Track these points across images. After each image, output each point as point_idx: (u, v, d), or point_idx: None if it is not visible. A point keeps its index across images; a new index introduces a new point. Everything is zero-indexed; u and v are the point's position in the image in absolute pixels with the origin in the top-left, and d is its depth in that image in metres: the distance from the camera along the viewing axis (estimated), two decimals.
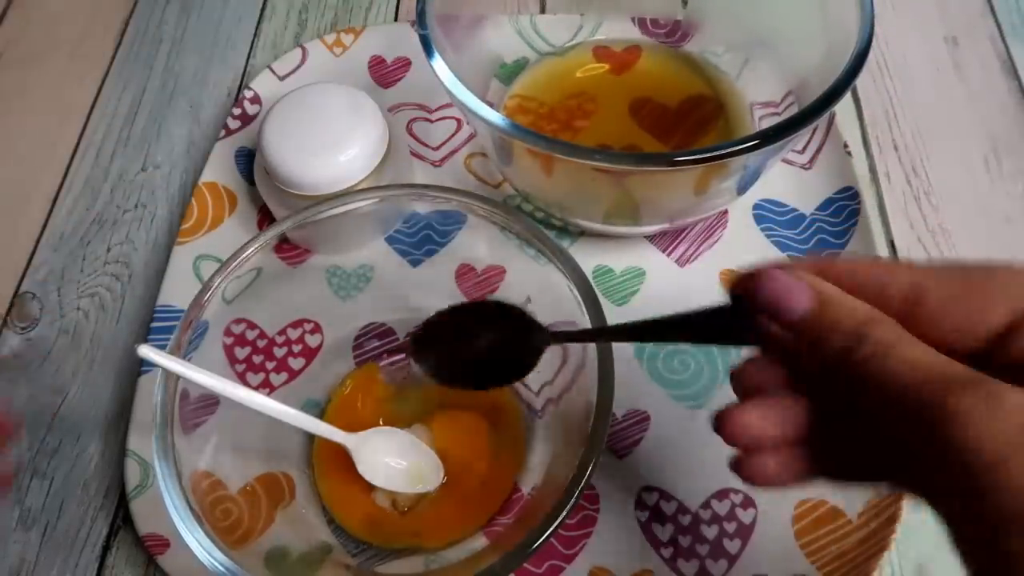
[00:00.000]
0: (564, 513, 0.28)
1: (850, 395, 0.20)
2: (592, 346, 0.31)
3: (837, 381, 0.20)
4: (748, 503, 0.38)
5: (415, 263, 0.42)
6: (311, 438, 0.39)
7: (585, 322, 0.32)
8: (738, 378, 0.24)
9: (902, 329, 0.20)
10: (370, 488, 0.37)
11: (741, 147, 0.33)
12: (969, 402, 0.18)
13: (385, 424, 0.39)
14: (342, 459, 0.37)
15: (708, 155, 0.33)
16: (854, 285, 0.21)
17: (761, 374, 0.23)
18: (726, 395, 0.25)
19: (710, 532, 0.37)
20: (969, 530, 0.18)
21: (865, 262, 0.22)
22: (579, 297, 0.32)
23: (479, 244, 0.39)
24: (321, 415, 0.40)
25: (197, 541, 0.29)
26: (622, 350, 0.31)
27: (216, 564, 0.28)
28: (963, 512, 0.18)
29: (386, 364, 0.42)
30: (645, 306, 0.44)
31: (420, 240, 0.41)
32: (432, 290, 0.41)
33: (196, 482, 0.31)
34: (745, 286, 0.22)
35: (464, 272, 0.41)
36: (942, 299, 0.21)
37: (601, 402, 0.30)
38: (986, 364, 0.20)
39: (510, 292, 0.42)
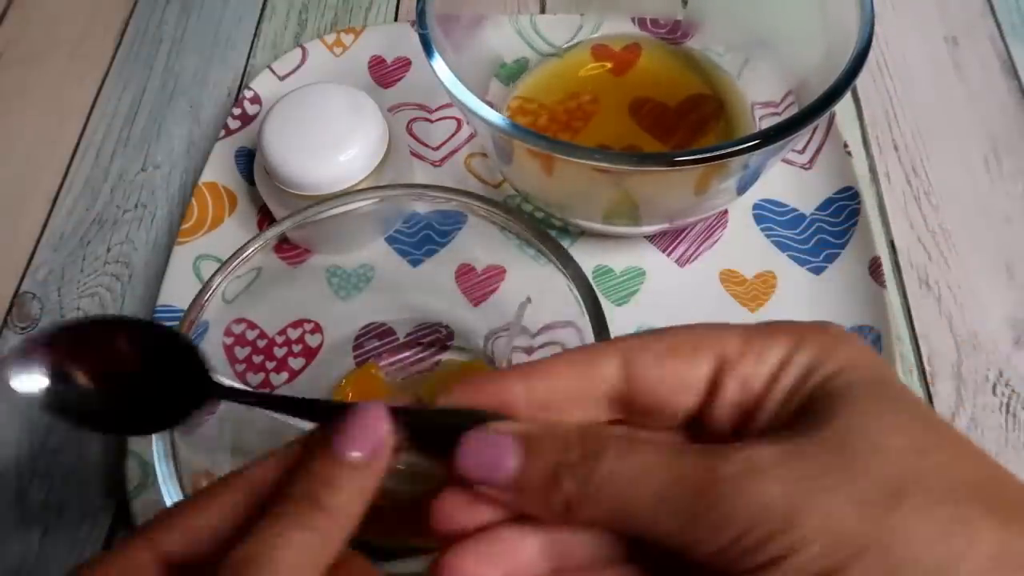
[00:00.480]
0: None
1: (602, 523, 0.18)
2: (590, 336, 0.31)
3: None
4: None
5: (415, 263, 0.42)
6: None
7: (585, 323, 0.32)
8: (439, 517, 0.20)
9: (614, 438, 0.19)
10: None
11: (741, 147, 0.33)
12: (731, 473, 0.17)
13: None
14: None
15: (708, 155, 0.33)
16: (560, 386, 0.20)
17: (470, 509, 0.20)
18: None
19: None
20: None
21: (564, 360, 0.20)
22: (579, 297, 0.32)
23: (479, 244, 0.39)
24: None
25: None
26: None
27: None
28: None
29: (386, 364, 0.42)
30: (645, 306, 0.44)
31: (420, 240, 0.41)
32: (432, 290, 0.41)
33: (196, 482, 0.31)
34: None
35: (464, 272, 0.41)
36: (652, 365, 0.19)
37: None
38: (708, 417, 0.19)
39: (510, 292, 0.42)
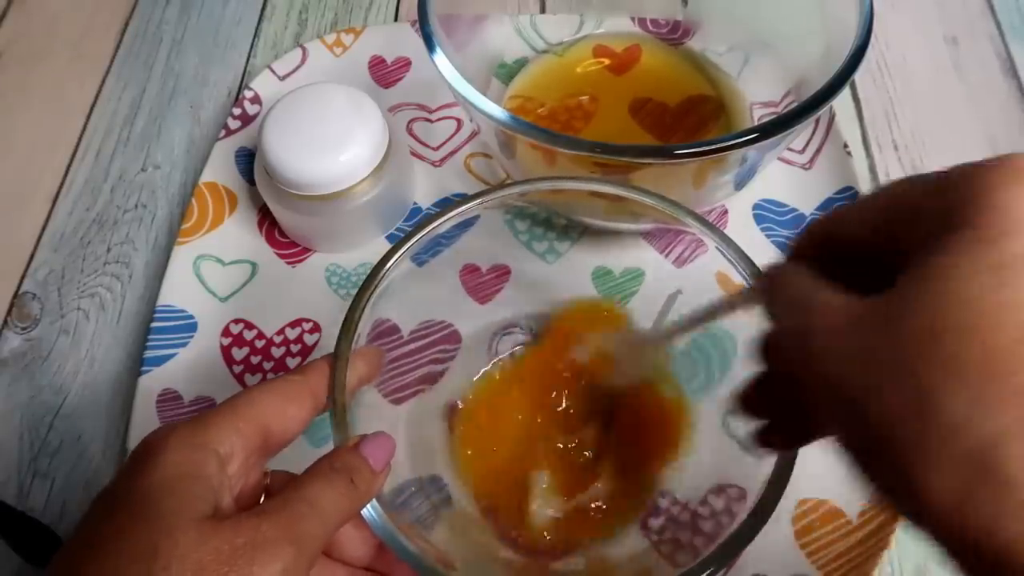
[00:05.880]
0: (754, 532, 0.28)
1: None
2: None
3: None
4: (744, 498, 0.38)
5: (420, 263, 0.42)
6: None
7: None
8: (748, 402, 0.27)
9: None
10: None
11: (740, 140, 0.33)
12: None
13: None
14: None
15: (707, 148, 0.33)
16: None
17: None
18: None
19: (708, 529, 0.37)
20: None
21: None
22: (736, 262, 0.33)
23: (485, 243, 0.39)
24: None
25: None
26: None
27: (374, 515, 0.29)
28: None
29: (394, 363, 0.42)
30: (644, 307, 0.44)
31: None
32: (436, 288, 0.41)
33: None
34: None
35: (469, 271, 0.41)
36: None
37: None
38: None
39: (513, 291, 0.42)
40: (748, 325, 0.28)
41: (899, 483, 0.17)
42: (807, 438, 0.25)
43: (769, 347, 0.23)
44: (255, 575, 0.23)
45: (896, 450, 0.17)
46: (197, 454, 0.25)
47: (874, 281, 0.19)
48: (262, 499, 0.28)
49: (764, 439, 0.27)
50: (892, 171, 0.49)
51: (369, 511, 0.28)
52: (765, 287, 0.24)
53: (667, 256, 0.45)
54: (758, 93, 0.46)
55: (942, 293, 0.17)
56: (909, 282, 0.18)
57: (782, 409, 0.26)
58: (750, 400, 0.26)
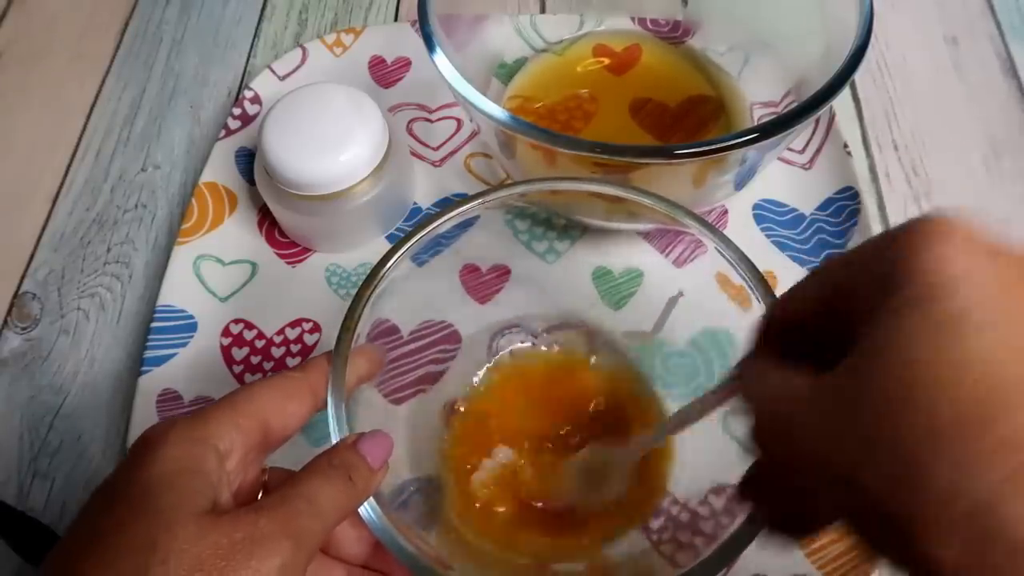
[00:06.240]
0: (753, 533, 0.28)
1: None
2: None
3: None
4: None
5: (420, 262, 0.42)
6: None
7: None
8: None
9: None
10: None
11: (740, 140, 0.33)
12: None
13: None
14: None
15: (707, 149, 0.33)
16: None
17: None
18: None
19: (708, 529, 0.37)
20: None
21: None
22: (736, 262, 0.33)
23: (485, 243, 0.39)
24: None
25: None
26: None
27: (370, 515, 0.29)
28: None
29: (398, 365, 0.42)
30: (643, 307, 0.44)
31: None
32: (437, 288, 0.41)
33: None
34: None
35: (469, 271, 0.41)
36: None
37: None
38: None
39: (513, 291, 0.42)
40: (747, 325, 0.28)
41: (908, 556, 0.17)
42: (816, 524, 0.24)
43: (757, 438, 0.23)
44: (253, 569, 0.23)
45: (897, 523, 0.17)
46: (196, 449, 0.25)
47: (837, 356, 0.19)
48: (260, 495, 0.28)
49: (775, 529, 0.26)
50: (892, 171, 0.49)
51: (367, 511, 0.28)
52: (738, 383, 0.24)
53: (667, 256, 0.45)
54: (758, 93, 0.46)
55: (895, 360, 0.17)
56: (861, 352, 0.18)
57: (786, 497, 0.25)
58: (753, 491, 0.26)
